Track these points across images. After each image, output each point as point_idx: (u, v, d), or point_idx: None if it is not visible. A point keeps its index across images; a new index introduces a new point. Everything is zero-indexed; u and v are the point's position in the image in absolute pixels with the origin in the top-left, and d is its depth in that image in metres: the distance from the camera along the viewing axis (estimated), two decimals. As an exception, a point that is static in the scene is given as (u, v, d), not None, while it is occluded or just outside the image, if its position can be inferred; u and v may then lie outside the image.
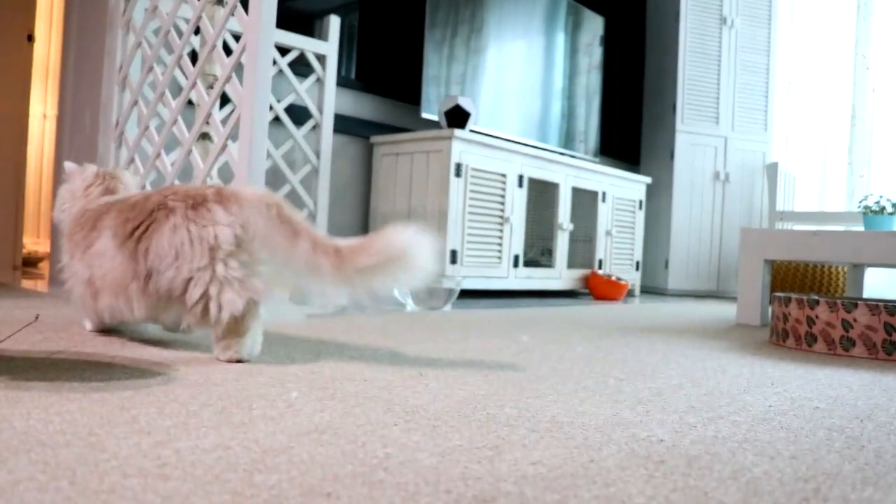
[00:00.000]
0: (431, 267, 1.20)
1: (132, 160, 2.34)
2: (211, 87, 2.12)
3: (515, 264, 3.51)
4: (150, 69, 2.28)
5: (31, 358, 1.11)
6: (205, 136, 2.23)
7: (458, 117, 3.29)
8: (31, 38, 3.84)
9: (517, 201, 3.51)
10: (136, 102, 2.35)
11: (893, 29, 4.87)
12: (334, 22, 3.08)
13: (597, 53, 4.60)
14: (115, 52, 2.45)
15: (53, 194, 3.64)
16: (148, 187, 2.26)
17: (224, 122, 2.81)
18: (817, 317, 1.86)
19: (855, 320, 1.81)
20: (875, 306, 1.79)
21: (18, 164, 3.86)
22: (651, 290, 5.20)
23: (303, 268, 1.21)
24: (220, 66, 1.99)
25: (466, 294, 3.46)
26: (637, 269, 4.46)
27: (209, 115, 2.03)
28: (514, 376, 1.20)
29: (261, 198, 1.25)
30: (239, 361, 1.21)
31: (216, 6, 2.26)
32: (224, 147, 1.96)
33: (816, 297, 1.90)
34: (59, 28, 4.90)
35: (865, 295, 4.49)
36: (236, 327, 1.21)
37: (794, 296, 1.96)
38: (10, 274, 3.33)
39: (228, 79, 1.96)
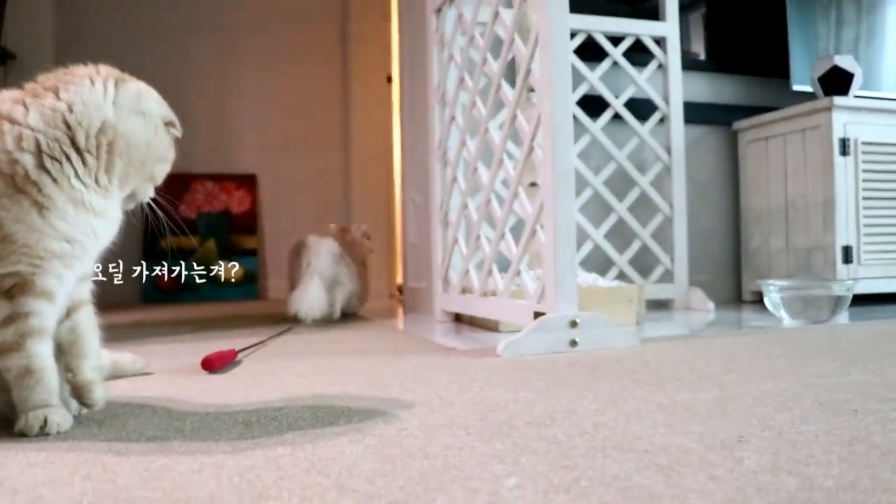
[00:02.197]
0: None
1: (454, 178, 2.22)
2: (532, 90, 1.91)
3: (937, 258, 2.72)
4: (461, 80, 2.15)
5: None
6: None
7: (836, 81, 2.65)
8: (389, 80, 4.06)
9: (934, 177, 2.73)
10: (453, 118, 2.24)
11: None
12: (671, -3, 2.69)
13: None
14: (433, 69, 2.38)
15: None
16: (470, 204, 2.11)
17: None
18: None
19: None
20: None
21: (388, 196, 4.08)
22: None
23: None
24: (520, 60, 1.77)
25: (863, 299, 2.73)
26: None
27: (514, 116, 1.81)
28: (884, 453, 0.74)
29: None
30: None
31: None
32: (530, 149, 1.72)
33: None
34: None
35: None
36: None
37: None
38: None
39: (528, 72, 1.73)
